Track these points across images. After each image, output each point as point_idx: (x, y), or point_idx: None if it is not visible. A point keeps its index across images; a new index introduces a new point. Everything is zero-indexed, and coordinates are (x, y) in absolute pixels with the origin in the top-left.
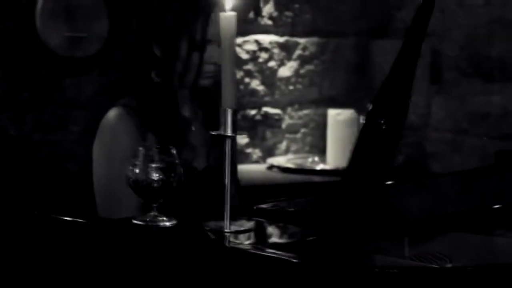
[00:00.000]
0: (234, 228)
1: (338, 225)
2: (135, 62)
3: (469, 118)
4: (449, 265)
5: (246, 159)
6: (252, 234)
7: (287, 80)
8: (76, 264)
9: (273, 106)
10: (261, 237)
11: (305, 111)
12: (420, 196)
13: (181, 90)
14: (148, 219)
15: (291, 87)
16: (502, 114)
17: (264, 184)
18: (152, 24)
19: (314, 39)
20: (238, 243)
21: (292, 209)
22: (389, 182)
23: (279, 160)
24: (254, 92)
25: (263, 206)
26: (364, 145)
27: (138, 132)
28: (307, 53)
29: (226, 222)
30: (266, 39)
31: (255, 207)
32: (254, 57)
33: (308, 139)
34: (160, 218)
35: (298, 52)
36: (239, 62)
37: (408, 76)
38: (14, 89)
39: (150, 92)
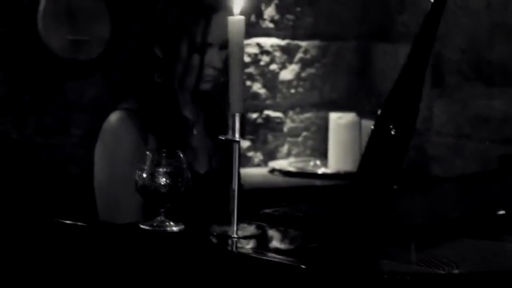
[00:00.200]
0: (241, 233)
1: (346, 230)
2: (138, 64)
3: (471, 122)
4: (456, 271)
5: (248, 162)
6: (259, 239)
7: (288, 83)
8: (82, 269)
9: (275, 109)
10: (268, 243)
11: (307, 115)
12: (422, 201)
13: (182, 92)
14: (155, 224)
15: (292, 91)
16: (504, 118)
17: (266, 188)
18: (154, 25)
19: (316, 42)
20: (246, 249)
21: (300, 214)
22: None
23: (281, 164)
24: (255, 95)
25: (269, 210)
26: (373, 150)
27: (140, 136)
28: (308, 56)
29: (234, 227)
30: (267, 42)
31: (261, 212)
32: (255, 60)
33: (310, 142)
34: (168, 223)
35: (299, 55)
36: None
37: (417, 81)
38: (16, 92)
39: (152, 94)
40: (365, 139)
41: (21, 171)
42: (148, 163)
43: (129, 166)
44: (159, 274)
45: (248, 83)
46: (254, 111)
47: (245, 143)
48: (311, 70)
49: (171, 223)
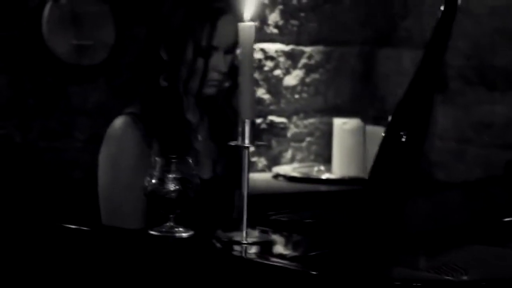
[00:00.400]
0: (250, 239)
1: (357, 237)
2: (143, 67)
3: (474, 127)
4: (465, 278)
5: (252, 167)
6: (269, 245)
7: (292, 88)
8: (91, 274)
9: (279, 114)
10: (278, 249)
11: (311, 120)
12: (427, 207)
13: (187, 96)
14: (164, 230)
15: (296, 96)
16: (507, 123)
17: (270, 193)
18: (160, 28)
19: (320, 48)
20: (256, 255)
21: (310, 220)
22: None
23: (285, 169)
24: (259, 100)
25: (279, 216)
26: (384, 157)
27: (144, 141)
28: (312, 61)
29: (243, 233)
30: (271, 47)
31: (271, 218)
32: (259, 65)
33: (313, 148)
34: (177, 229)
35: (303, 60)
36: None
37: (429, 87)
38: (20, 96)
39: (156, 97)
40: (369, 144)
41: (24, 175)
42: (157, 168)
43: (133, 171)
44: (168, 280)
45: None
46: (258, 116)
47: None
48: (315, 76)
49: (181, 229)
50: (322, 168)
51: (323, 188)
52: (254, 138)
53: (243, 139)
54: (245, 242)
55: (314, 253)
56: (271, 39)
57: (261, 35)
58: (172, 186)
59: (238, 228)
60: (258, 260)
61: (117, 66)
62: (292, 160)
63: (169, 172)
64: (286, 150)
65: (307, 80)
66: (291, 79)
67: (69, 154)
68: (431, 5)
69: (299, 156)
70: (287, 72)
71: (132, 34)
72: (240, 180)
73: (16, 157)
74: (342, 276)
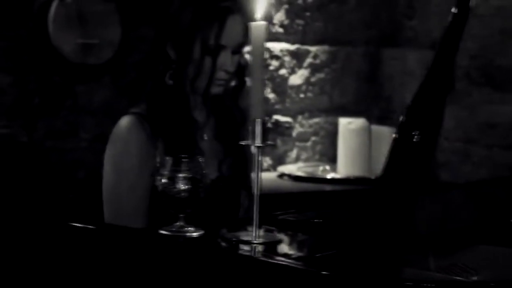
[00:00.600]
0: (261, 239)
1: (367, 237)
2: (150, 65)
3: (479, 128)
4: (475, 278)
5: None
6: (279, 245)
7: (297, 88)
8: (99, 273)
9: (284, 114)
10: (289, 249)
11: (316, 119)
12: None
13: (193, 95)
14: (174, 229)
15: (301, 95)
16: None
17: (275, 193)
18: (168, 26)
19: (325, 47)
20: (267, 255)
21: (319, 220)
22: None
23: (290, 169)
24: (265, 100)
25: (287, 216)
26: (396, 157)
27: (150, 141)
28: (317, 61)
29: (254, 232)
30: (277, 47)
31: (279, 218)
32: (265, 65)
33: (318, 147)
34: (187, 229)
35: (309, 60)
36: (248, 70)
37: (441, 87)
38: (26, 95)
39: (163, 96)
40: (374, 144)
41: (30, 174)
42: (167, 168)
43: (137, 172)
44: (179, 279)
45: None
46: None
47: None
48: (320, 75)
49: (191, 228)
50: (327, 167)
51: (328, 187)
52: (267, 137)
53: (254, 138)
54: (255, 242)
55: (323, 254)
56: (276, 38)
57: (266, 34)
58: (182, 186)
59: (245, 228)
60: (269, 260)
61: (123, 65)
62: (297, 159)
63: (179, 171)
64: (291, 150)
65: (312, 79)
66: (296, 79)
67: (74, 153)
68: (437, 5)
69: (304, 155)
70: (292, 71)
71: (138, 33)
72: (245, 180)
73: (21, 157)
74: (353, 276)
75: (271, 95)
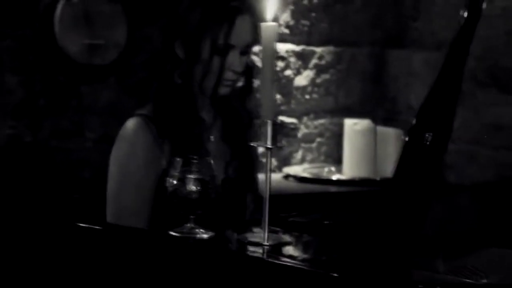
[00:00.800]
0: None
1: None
2: (157, 65)
3: (485, 129)
4: (485, 281)
5: (262, 168)
6: (289, 247)
7: (303, 89)
8: (108, 273)
9: (289, 115)
10: (298, 251)
11: (321, 121)
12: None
13: (201, 95)
14: (185, 231)
15: (307, 96)
16: None
17: (281, 194)
18: (176, 26)
19: (330, 48)
20: (277, 257)
21: (329, 222)
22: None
23: (295, 170)
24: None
25: (296, 218)
26: (408, 159)
27: (155, 143)
28: (323, 62)
29: (265, 234)
30: (282, 47)
31: (289, 219)
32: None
33: (324, 148)
34: (197, 230)
35: (314, 61)
36: (255, 71)
37: (453, 90)
38: (31, 95)
39: (170, 95)
40: (379, 145)
41: (35, 174)
42: (178, 169)
43: (142, 174)
44: (189, 281)
45: None
46: None
47: (260, 149)
48: (325, 76)
49: (201, 230)
50: (332, 168)
51: (333, 189)
52: (276, 139)
53: (265, 140)
54: (266, 243)
55: (333, 255)
56: (282, 39)
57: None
58: (193, 187)
59: (251, 230)
60: (280, 262)
61: (128, 65)
62: (302, 160)
63: (189, 172)
64: (296, 151)
65: (318, 80)
66: (301, 80)
67: (79, 153)
68: (442, 6)
69: (309, 156)
70: (297, 72)
71: (144, 34)
72: (252, 182)
73: (26, 157)
74: (364, 278)
75: (276, 96)
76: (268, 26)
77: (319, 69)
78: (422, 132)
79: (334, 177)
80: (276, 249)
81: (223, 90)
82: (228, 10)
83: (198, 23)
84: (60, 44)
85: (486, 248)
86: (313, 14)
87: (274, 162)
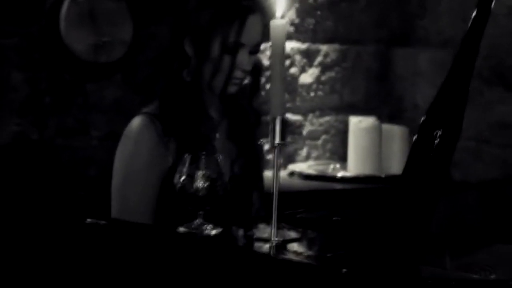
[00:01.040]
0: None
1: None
2: (164, 62)
3: (491, 127)
4: (493, 277)
5: (267, 165)
6: (298, 243)
7: (308, 86)
8: (116, 269)
9: (294, 112)
10: (306, 247)
11: (326, 118)
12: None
13: (210, 93)
14: (193, 227)
15: (312, 94)
16: None
17: (286, 191)
18: (185, 23)
19: (335, 46)
20: (285, 253)
21: (338, 218)
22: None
23: (300, 167)
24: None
25: (306, 215)
26: (418, 156)
27: (161, 142)
28: (328, 60)
29: (273, 230)
30: (288, 45)
31: (297, 216)
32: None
33: (329, 145)
34: (205, 226)
35: (319, 59)
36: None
37: (463, 87)
38: (37, 93)
39: (178, 92)
40: (384, 143)
41: (40, 172)
42: (186, 166)
43: (147, 172)
44: (196, 276)
45: (268, 86)
46: None
47: (266, 146)
48: (330, 74)
49: (209, 226)
50: (337, 166)
51: (338, 186)
52: (285, 136)
53: (274, 136)
54: (275, 240)
55: (342, 252)
56: (287, 37)
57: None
58: (201, 183)
59: (259, 226)
60: (288, 258)
61: (134, 63)
62: (307, 158)
63: (198, 169)
64: (301, 148)
65: (323, 78)
66: (306, 77)
67: (85, 151)
68: (449, 4)
69: (314, 154)
70: (302, 70)
71: (149, 32)
72: (257, 180)
73: (32, 154)
74: (374, 274)
75: None
76: (277, 23)
77: (324, 67)
78: (431, 130)
79: (339, 174)
80: (284, 246)
81: (231, 89)
82: (239, 9)
83: (209, 21)
84: (65, 42)
85: (492, 245)
86: (318, 12)
87: None
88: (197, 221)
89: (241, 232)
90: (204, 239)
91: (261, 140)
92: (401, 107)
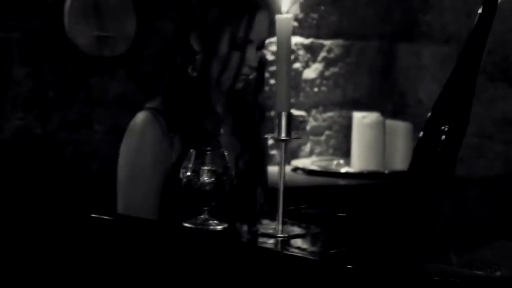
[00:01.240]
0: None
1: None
2: (169, 57)
3: (495, 123)
4: (499, 273)
5: (270, 161)
6: (303, 239)
7: (311, 82)
8: (123, 264)
9: (298, 108)
10: (312, 243)
11: (329, 113)
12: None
13: (217, 89)
14: (198, 222)
15: (315, 89)
16: None
17: (289, 187)
18: (194, 16)
19: (339, 42)
20: (291, 249)
21: (343, 214)
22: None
23: (304, 163)
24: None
25: (311, 210)
26: (424, 152)
27: (165, 137)
28: (332, 55)
29: (279, 226)
30: (291, 40)
31: (302, 211)
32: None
33: (332, 141)
34: (211, 222)
35: (323, 54)
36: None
37: (469, 83)
38: (40, 87)
39: (182, 87)
40: (388, 138)
41: (44, 166)
42: (192, 161)
43: (152, 168)
44: (205, 274)
45: (272, 81)
46: None
47: (270, 141)
48: (334, 69)
49: (215, 221)
50: (341, 161)
51: (342, 181)
52: (291, 131)
53: (279, 131)
54: (280, 235)
55: (348, 248)
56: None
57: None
58: (207, 179)
59: (264, 222)
60: (294, 254)
61: (138, 58)
62: (311, 153)
63: (203, 164)
64: (305, 144)
65: (326, 73)
66: (310, 72)
67: (88, 145)
68: (452, 0)
69: (318, 149)
70: (306, 65)
71: (153, 26)
72: (261, 176)
73: (36, 149)
74: (380, 270)
75: None
76: (283, 18)
77: (328, 62)
78: (438, 125)
79: (343, 170)
80: (290, 241)
81: (238, 84)
82: (248, 5)
83: (218, 17)
84: (69, 35)
85: (497, 241)
86: (322, 7)
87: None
88: (202, 217)
89: (246, 227)
90: (210, 235)
91: (267, 135)
92: (405, 103)
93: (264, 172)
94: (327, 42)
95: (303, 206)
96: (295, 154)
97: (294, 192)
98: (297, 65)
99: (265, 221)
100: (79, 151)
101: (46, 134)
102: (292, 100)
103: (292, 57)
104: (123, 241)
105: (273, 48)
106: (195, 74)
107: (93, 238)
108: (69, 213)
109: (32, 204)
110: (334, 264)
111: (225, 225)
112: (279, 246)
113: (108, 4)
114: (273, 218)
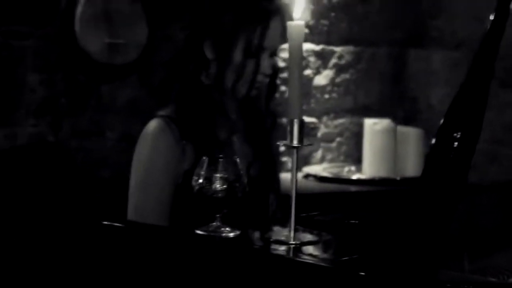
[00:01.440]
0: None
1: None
2: (181, 64)
3: (506, 129)
4: (511, 280)
5: (282, 167)
6: (317, 246)
7: (322, 88)
8: (135, 271)
9: (309, 114)
10: (324, 250)
11: (341, 120)
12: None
13: (232, 97)
14: (211, 229)
15: (326, 96)
16: None
17: (300, 193)
18: (207, 23)
19: (350, 48)
20: (304, 256)
21: (355, 221)
22: None
23: (315, 169)
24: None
25: (322, 217)
26: (437, 159)
27: (177, 145)
28: (342, 61)
29: (291, 233)
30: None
31: (315, 218)
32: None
33: (343, 148)
34: (224, 229)
35: (333, 60)
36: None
37: (482, 89)
38: (52, 94)
39: (194, 95)
40: (399, 144)
41: (56, 173)
42: (204, 168)
43: (164, 175)
44: (214, 279)
45: (283, 88)
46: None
47: (282, 148)
48: (345, 76)
49: (227, 228)
50: (352, 168)
51: (353, 188)
52: (303, 138)
53: (292, 139)
54: (292, 242)
55: (359, 255)
56: None
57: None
58: (219, 186)
59: (276, 229)
60: (307, 260)
61: (149, 65)
62: (322, 160)
63: (216, 171)
64: (316, 150)
65: (337, 80)
66: (321, 79)
67: (99, 153)
68: (463, 5)
69: (329, 156)
70: (317, 72)
71: (164, 34)
72: (274, 183)
73: (48, 156)
74: (392, 277)
75: None
76: (295, 25)
77: (339, 69)
78: (451, 132)
79: (354, 176)
80: (302, 248)
81: (252, 92)
82: (262, 13)
83: (232, 24)
84: (80, 43)
85: (508, 248)
86: (333, 14)
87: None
88: (215, 224)
89: (258, 235)
90: (222, 242)
91: (279, 142)
92: (416, 109)
93: (276, 179)
94: (338, 49)
95: (314, 213)
96: (306, 161)
97: (305, 199)
98: (307, 72)
99: (277, 228)
100: (90, 158)
101: (58, 141)
102: (303, 107)
103: (303, 63)
104: (135, 248)
105: (284, 54)
106: (208, 82)
107: (105, 245)
108: (80, 220)
109: (44, 211)
110: (346, 271)
111: (237, 232)
112: (291, 253)
113: (119, 11)
114: (285, 225)
